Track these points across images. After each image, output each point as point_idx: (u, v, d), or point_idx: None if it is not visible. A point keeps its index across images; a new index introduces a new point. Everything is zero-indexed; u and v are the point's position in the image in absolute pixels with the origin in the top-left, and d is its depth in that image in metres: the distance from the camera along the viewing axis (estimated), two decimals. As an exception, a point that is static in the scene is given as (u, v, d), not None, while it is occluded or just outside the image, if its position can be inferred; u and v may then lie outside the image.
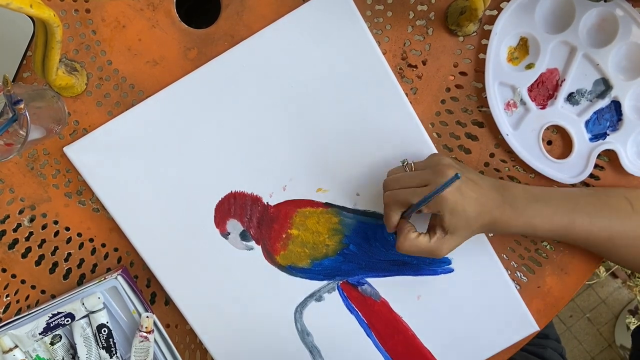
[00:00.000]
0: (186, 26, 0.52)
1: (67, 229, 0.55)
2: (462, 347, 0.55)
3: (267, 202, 0.53)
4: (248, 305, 0.55)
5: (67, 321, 0.52)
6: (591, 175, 0.52)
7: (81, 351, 0.52)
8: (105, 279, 0.51)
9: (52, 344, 0.53)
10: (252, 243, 0.54)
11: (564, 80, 0.50)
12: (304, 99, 0.51)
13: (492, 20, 0.51)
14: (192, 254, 0.54)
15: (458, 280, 0.53)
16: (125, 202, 0.53)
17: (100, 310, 0.52)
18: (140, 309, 0.53)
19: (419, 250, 0.45)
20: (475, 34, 0.51)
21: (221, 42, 0.52)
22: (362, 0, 0.51)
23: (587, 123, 0.51)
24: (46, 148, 0.53)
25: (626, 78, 0.49)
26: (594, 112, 0.50)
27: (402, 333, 0.55)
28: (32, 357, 0.53)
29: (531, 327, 0.54)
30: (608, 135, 0.50)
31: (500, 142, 0.52)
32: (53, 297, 0.56)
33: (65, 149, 0.52)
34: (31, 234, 0.55)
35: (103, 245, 0.55)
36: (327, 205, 0.53)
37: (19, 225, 0.55)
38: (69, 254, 0.55)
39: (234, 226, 0.53)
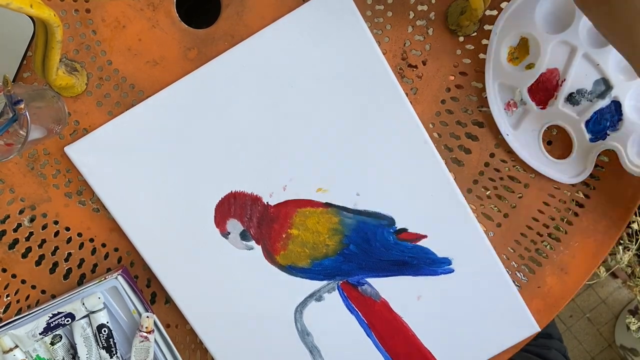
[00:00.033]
0: (186, 26, 0.52)
1: (67, 229, 0.55)
2: (462, 347, 0.55)
3: (267, 202, 0.53)
4: (248, 305, 0.55)
5: (67, 321, 0.52)
6: (591, 175, 0.52)
7: (81, 351, 0.52)
8: (105, 279, 0.51)
9: (52, 344, 0.53)
10: (252, 243, 0.54)
11: (564, 80, 0.50)
12: (304, 99, 0.51)
13: (492, 20, 0.51)
14: (192, 253, 0.54)
15: (458, 280, 0.53)
16: (125, 202, 0.53)
17: (100, 310, 0.52)
18: (141, 309, 0.53)
19: None
20: (475, 34, 0.51)
21: (221, 42, 0.52)
22: (362, 0, 0.51)
23: (587, 123, 0.51)
24: (46, 148, 0.53)
25: (626, 78, 0.49)
26: (594, 112, 0.50)
27: (402, 333, 0.55)
28: (32, 357, 0.53)
29: (531, 327, 0.54)
30: (608, 135, 0.50)
31: (501, 142, 0.52)
32: (53, 297, 0.56)
33: (65, 149, 0.52)
34: (31, 234, 0.55)
35: (103, 245, 0.55)
36: (327, 205, 0.53)
37: (19, 225, 0.55)
38: (69, 254, 0.55)
39: (234, 226, 0.53)
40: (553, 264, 0.54)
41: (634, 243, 1.12)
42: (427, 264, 0.53)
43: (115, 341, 0.53)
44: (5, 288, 0.56)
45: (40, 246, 0.55)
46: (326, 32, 0.50)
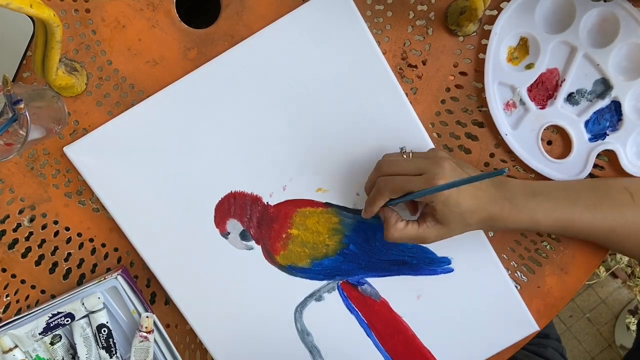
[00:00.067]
0: (186, 26, 0.52)
1: (67, 229, 0.55)
2: (462, 347, 0.55)
3: (267, 202, 0.53)
4: (248, 305, 0.55)
5: (67, 321, 0.52)
6: (590, 175, 0.52)
7: (81, 351, 0.52)
8: (105, 279, 0.51)
9: (52, 344, 0.53)
10: (252, 243, 0.54)
11: (564, 80, 0.50)
12: (304, 99, 0.51)
13: (492, 20, 0.51)
14: (192, 253, 0.54)
15: (458, 280, 0.53)
16: (125, 202, 0.53)
17: (100, 310, 0.52)
18: (140, 309, 0.53)
19: (408, 238, 0.45)
20: (475, 34, 0.51)
21: (221, 42, 0.52)
22: (362, 0, 0.51)
23: (586, 123, 0.51)
24: (46, 148, 0.53)
25: (626, 78, 0.49)
26: (594, 112, 0.50)
27: (402, 333, 0.55)
28: (32, 357, 0.53)
29: (531, 327, 0.54)
30: (608, 135, 0.50)
31: (500, 142, 0.52)
32: (53, 297, 0.56)
33: (65, 149, 0.52)
34: (31, 234, 0.55)
35: (103, 245, 0.55)
36: (327, 205, 0.53)
37: (19, 225, 0.55)
38: (69, 254, 0.55)
39: (234, 226, 0.53)
40: (553, 263, 0.54)
41: (633, 243, 1.12)
42: (427, 263, 0.53)
43: (115, 341, 0.53)
44: (5, 288, 0.55)
45: (40, 246, 0.55)
46: (326, 32, 0.50)
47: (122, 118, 0.51)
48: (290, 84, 0.51)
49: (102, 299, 0.52)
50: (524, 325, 0.54)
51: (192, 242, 0.53)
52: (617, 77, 0.49)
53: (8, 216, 0.54)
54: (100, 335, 0.52)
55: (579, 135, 0.50)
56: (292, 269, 0.54)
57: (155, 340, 0.53)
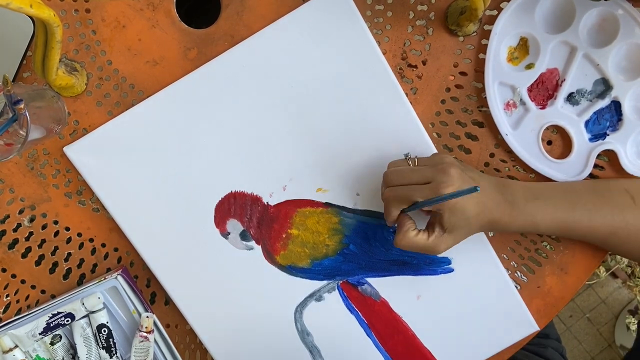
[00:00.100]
0: (186, 26, 0.52)
1: (67, 229, 0.55)
2: (462, 347, 0.55)
3: (267, 202, 0.53)
4: (248, 305, 0.55)
5: (67, 321, 0.52)
6: (591, 175, 0.52)
7: (81, 351, 0.52)
8: (105, 279, 0.51)
9: (52, 344, 0.53)
10: (252, 243, 0.54)
11: (564, 80, 0.50)
12: (304, 99, 0.51)
13: (492, 20, 0.51)
14: (192, 253, 0.54)
15: (458, 280, 0.53)
16: (125, 202, 0.53)
17: (100, 310, 0.52)
18: (140, 309, 0.53)
19: (417, 248, 0.45)
20: (475, 34, 0.51)
21: (221, 42, 0.52)
22: (362, 0, 0.51)
23: (586, 123, 0.51)
24: (46, 148, 0.53)
25: (626, 78, 0.49)
26: (594, 112, 0.50)
27: (402, 333, 0.55)
28: (32, 357, 0.53)
29: (531, 327, 0.54)
30: (608, 135, 0.50)
31: (500, 142, 0.52)
32: (53, 297, 0.56)
33: (65, 149, 0.52)
34: (31, 234, 0.55)
35: (103, 245, 0.55)
36: (327, 205, 0.53)
37: (19, 225, 0.55)
38: (69, 254, 0.55)
39: (234, 226, 0.53)
40: (553, 263, 0.54)
41: (633, 243, 1.11)
42: (427, 263, 0.53)
43: (115, 341, 0.53)
44: (5, 288, 0.55)
45: (40, 246, 0.55)
46: (326, 32, 0.50)
47: (122, 118, 0.51)
48: (291, 84, 0.51)
49: (102, 299, 0.52)
50: (524, 325, 0.54)
51: (192, 242, 0.53)
52: (617, 77, 0.49)
53: (8, 216, 0.54)
54: (101, 335, 0.52)
55: (579, 135, 0.50)
56: (292, 269, 0.54)
57: (155, 340, 0.53)
